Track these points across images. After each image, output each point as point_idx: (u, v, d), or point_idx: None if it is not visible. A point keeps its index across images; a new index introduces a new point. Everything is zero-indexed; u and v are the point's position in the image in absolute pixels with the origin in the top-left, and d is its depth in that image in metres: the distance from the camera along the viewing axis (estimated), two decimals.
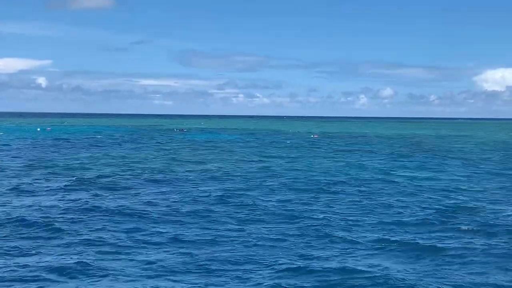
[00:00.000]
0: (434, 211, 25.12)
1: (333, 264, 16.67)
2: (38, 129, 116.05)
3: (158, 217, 23.08)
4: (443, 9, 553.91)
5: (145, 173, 38.85)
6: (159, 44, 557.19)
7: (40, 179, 35.09)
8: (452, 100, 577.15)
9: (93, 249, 17.91)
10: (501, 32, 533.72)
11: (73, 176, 36.01)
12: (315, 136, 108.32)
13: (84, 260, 16.55)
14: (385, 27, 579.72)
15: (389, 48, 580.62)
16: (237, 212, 24.36)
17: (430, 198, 29.12)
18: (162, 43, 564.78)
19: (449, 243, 19.27)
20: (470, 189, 32.90)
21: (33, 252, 17.67)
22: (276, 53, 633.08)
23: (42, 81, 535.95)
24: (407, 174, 40.54)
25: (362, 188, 32.53)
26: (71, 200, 27.11)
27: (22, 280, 15.05)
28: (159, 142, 78.47)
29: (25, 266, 16.13)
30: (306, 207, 26.05)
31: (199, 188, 31.60)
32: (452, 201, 28.11)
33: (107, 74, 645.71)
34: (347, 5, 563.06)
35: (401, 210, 25.46)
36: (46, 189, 30.79)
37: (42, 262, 16.55)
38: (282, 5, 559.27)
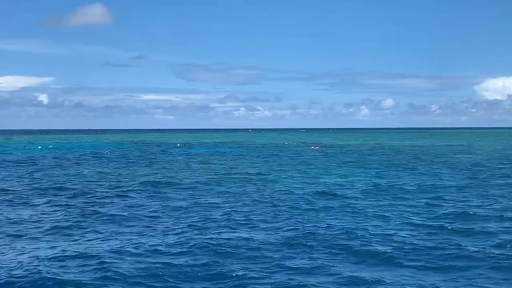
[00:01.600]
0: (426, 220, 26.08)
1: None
2: (39, 147, 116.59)
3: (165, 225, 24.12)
4: (442, 19, 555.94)
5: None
6: (159, 59, 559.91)
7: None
8: (453, 109, 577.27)
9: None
10: (502, 41, 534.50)
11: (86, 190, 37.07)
12: (315, 148, 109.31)
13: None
14: (384, 37, 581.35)
15: (389, 59, 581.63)
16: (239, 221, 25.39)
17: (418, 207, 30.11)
18: (162, 58, 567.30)
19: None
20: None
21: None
22: (276, 65, 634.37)
23: (43, 98, 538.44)
24: (403, 182, 41.48)
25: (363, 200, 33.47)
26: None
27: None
28: (167, 156, 79.57)
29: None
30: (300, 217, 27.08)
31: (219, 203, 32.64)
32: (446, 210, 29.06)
33: (108, 90, 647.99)
34: (346, 17, 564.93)
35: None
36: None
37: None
38: (279, 18, 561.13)
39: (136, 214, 28.10)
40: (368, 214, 27.74)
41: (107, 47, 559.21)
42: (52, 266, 18.14)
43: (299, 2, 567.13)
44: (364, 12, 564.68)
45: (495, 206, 30.05)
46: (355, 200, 32.79)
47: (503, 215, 26.82)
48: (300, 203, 31.59)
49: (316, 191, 36.96)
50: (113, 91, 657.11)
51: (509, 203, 31.19)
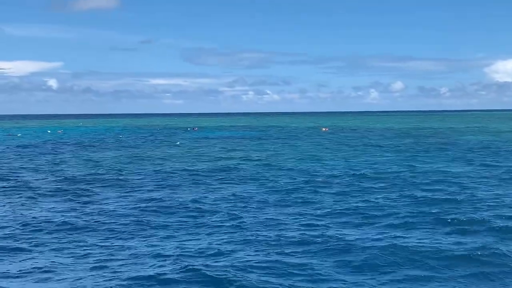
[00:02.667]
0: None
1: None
2: (49, 131, 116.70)
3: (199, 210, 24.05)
4: (451, 1, 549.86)
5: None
6: (167, 43, 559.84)
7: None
8: (463, 92, 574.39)
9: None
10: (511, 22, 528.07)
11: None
12: (325, 129, 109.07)
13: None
14: (392, 19, 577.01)
15: (397, 41, 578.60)
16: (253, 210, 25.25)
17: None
18: (170, 42, 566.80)
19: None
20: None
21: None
22: (284, 48, 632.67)
23: (53, 83, 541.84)
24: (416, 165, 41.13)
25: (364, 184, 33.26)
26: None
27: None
28: (182, 138, 79.57)
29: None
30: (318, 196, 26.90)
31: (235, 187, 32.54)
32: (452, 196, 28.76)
33: (117, 75, 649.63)
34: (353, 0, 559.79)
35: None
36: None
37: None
38: (287, 1, 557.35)
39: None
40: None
41: (115, 31, 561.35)
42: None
43: None
44: None
45: None
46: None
47: None
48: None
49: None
50: (121, 75, 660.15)
51: None
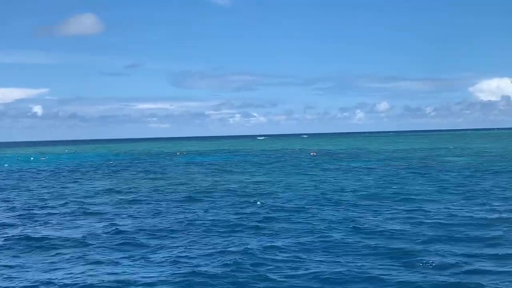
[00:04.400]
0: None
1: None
2: (32, 158, 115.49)
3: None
4: (435, 21, 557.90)
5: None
6: (154, 67, 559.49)
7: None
8: (448, 111, 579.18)
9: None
10: (496, 42, 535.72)
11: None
12: (313, 153, 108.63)
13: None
14: (379, 40, 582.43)
15: (383, 62, 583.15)
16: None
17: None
18: (156, 66, 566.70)
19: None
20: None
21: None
22: (271, 71, 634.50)
23: (38, 109, 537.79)
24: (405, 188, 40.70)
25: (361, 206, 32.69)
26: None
27: None
28: (167, 166, 78.63)
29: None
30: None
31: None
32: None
33: (103, 100, 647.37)
34: (340, 20, 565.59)
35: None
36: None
37: None
38: (274, 23, 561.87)
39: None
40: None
41: (101, 56, 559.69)
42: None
43: (293, 6, 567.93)
44: (358, 15, 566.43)
45: None
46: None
47: None
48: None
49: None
50: (108, 100, 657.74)
51: None
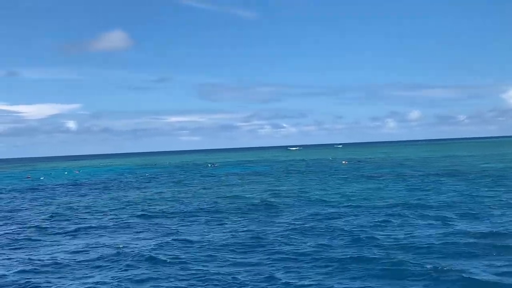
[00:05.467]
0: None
1: None
2: (66, 172, 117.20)
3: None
4: (464, 27, 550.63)
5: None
6: (181, 81, 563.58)
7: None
8: (481, 118, 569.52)
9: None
10: None
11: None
12: (344, 162, 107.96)
13: None
14: (407, 48, 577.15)
15: (410, 70, 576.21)
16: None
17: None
18: (184, 79, 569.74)
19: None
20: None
21: None
22: (298, 82, 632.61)
23: (71, 124, 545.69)
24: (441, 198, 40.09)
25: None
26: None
27: None
28: (203, 177, 79.06)
29: None
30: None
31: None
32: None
33: (134, 114, 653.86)
34: (367, 30, 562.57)
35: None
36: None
37: None
38: (299, 34, 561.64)
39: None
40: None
41: (131, 71, 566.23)
42: None
43: (318, 18, 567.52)
44: (386, 24, 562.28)
45: None
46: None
47: None
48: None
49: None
50: (139, 114, 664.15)
51: None
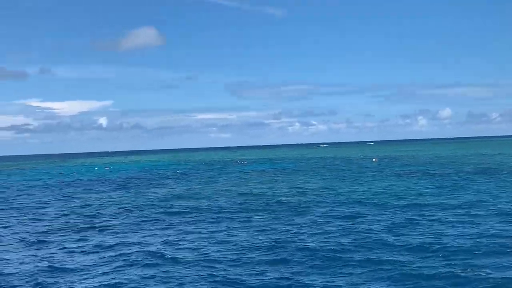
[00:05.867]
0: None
1: None
2: (96, 168, 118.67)
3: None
4: (498, 26, 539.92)
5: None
6: (212, 78, 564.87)
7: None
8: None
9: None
10: None
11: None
12: (375, 160, 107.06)
13: None
14: (438, 46, 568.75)
15: (444, 68, 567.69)
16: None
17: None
18: (214, 77, 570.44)
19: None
20: None
21: None
22: (327, 80, 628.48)
23: (102, 121, 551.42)
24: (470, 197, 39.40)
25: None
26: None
27: None
28: (232, 173, 79.26)
29: None
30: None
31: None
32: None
33: (164, 111, 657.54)
34: (397, 27, 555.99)
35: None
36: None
37: None
38: (328, 32, 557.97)
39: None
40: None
41: (161, 68, 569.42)
42: None
43: (348, 16, 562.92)
44: (416, 22, 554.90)
45: None
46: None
47: None
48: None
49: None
50: (168, 111, 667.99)
51: None
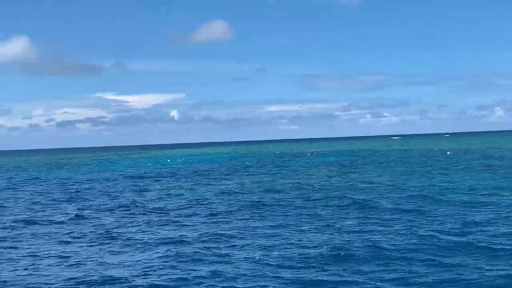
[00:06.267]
0: None
1: None
2: (168, 160, 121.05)
3: None
4: None
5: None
6: (281, 70, 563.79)
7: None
8: None
9: None
10: None
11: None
12: (449, 153, 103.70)
13: None
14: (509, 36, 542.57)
15: None
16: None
17: None
18: (283, 69, 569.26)
19: None
20: None
21: None
22: (400, 70, 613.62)
23: (174, 113, 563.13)
24: None
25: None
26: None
27: None
28: (301, 166, 79.00)
29: None
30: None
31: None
32: None
33: (234, 103, 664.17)
34: (470, 18, 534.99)
35: None
36: None
37: None
38: (402, 21, 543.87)
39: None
40: None
41: (231, 61, 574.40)
42: None
43: (421, 5, 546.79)
44: (491, 11, 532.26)
45: None
46: None
47: None
48: None
49: None
50: (238, 104, 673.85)
51: None
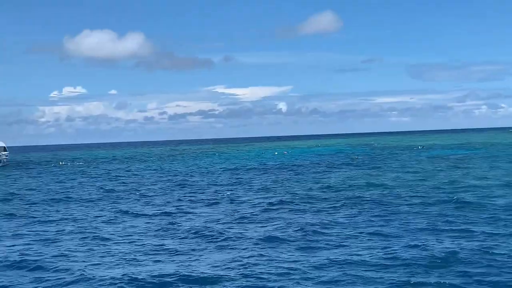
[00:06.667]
0: None
1: None
2: (276, 153, 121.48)
3: None
4: None
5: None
6: (390, 61, 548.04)
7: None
8: None
9: None
10: None
11: None
12: None
13: None
14: None
15: None
16: None
17: None
18: (393, 60, 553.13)
19: None
20: None
21: None
22: None
23: (282, 106, 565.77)
24: None
25: None
26: None
27: None
28: (407, 161, 76.58)
29: None
30: None
31: None
32: None
33: (342, 95, 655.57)
34: None
35: None
36: None
37: None
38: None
39: None
40: None
41: (339, 52, 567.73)
42: None
43: None
44: None
45: None
46: None
47: None
48: None
49: None
50: (346, 96, 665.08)
51: None
